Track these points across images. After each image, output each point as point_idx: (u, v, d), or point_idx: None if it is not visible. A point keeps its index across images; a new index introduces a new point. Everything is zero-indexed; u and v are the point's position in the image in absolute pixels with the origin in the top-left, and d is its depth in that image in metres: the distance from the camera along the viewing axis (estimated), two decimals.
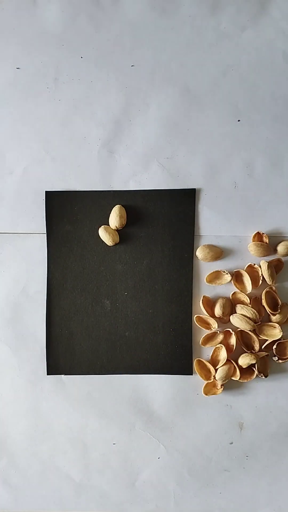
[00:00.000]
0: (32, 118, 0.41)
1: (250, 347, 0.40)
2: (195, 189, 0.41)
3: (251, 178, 0.41)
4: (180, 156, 0.41)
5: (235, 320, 0.40)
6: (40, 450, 0.42)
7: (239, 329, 0.40)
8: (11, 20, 0.41)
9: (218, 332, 0.41)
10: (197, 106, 0.41)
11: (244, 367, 0.40)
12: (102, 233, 0.40)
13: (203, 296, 0.41)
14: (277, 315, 0.40)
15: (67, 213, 0.41)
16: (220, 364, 0.40)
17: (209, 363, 0.41)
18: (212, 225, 0.41)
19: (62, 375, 0.41)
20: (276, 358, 0.40)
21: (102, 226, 0.40)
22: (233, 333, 0.40)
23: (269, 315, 0.40)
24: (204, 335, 0.41)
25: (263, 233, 0.40)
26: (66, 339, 0.41)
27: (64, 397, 0.41)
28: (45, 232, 0.41)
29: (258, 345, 0.40)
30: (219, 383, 0.40)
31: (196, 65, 0.41)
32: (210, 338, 0.41)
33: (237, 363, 0.40)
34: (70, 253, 0.41)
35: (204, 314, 0.40)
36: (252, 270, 0.41)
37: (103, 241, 0.41)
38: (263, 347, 0.40)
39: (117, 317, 0.41)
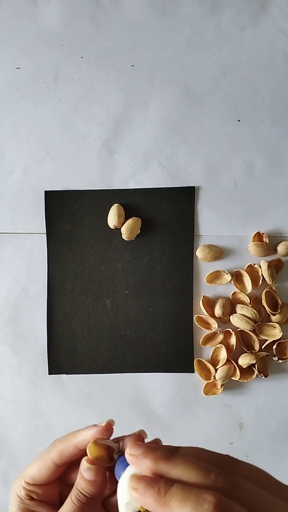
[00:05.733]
0: (32, 118, 0.41)
1: (250, 347, 0.40)
2: (194, 186, 0.41)
3: (251, 178, 0.41)
4: (180, 156, 0.41)
5: (235, 320, 0.40)
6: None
7: (239, 329, 0.40)
8: (11, 20, 0.41)
9: (218, 332, 0.41)
10: (197, 106, 0.41)
11: (244, 367, 0.40)
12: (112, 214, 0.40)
13: (203, 296, 0.41)
14: (277, 315, 0.40)
15: (67, 212, 0.41)
16: (220, 364, 0.40)
17: (209, 363, 0.41)
18: (212, 225, 0.41)
19: (62, 375, 0.41)
20: (276, 358, 0.40)
21: (115, 205, 0.40)
22: (233, 333, 0.40)
23: (269, 315, 0.40)
24: (204, 335, 0.41)
25: (263, 233, 0.40)
26: (67, 339, 0.41)
27: (64, 397, 0.41)
28: (45, 232, 0.41)
29: (258, 345, 0.40)
30: (219, 383, 0.40)
31: (196, 65, 0.41)
32: (210, 338, 0.41)
33: (237, 363, 0.40)
34: (70, 252, 0.41)
35: (204, 314, 0.40)
36: (252, 270, 0.41)
37: (103, 240, 0.41)
38: (263, 347, 0.40)
39: (118, 316, 0.41)
